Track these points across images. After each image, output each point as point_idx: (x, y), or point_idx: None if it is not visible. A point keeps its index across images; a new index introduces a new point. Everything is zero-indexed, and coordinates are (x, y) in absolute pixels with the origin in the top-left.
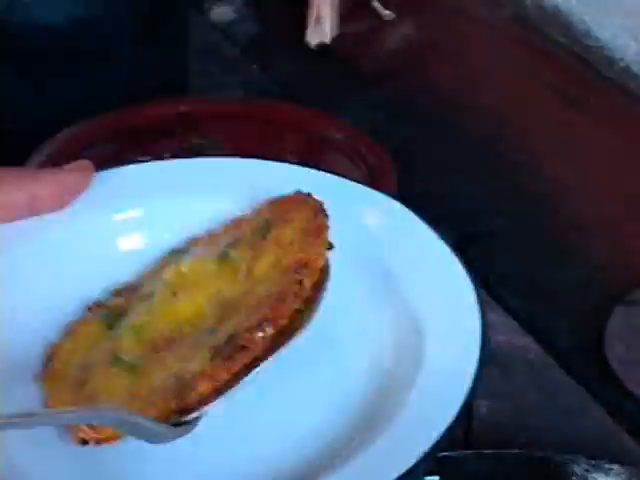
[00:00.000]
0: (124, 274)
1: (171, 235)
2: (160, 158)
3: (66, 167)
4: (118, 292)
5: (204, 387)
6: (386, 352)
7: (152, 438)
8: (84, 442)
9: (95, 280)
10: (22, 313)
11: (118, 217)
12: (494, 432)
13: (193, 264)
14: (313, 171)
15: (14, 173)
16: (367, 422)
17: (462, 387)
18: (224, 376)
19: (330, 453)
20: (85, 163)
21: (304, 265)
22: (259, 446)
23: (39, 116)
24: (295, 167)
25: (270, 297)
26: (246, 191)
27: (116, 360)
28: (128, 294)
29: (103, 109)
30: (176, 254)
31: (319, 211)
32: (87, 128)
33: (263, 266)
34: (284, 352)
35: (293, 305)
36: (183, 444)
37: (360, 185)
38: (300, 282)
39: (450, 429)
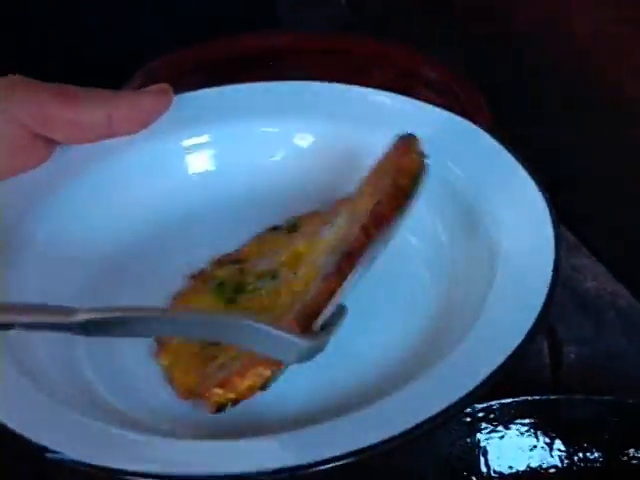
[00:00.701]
0: (195, 199)
1: (241, 159)
2: None
3: (145, 90)
4: (219, 262)
5: (322, 299)
6: (459, 267)
7: (289, 354)
8: (220, 408)
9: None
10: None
11: (189, 142)
12: (584, 378)
13: (309, 243)
14: (392, 95)
15: (93, 93)
16: (444, 332)
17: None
18: (337, 284)
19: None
20: (164, 86)
21: (398, 170)
22: (351, 358)
23: (130, 47)
24: (377, 91)
25: (369, 206)
26: (321, 114)
27: None
28: (232, 265)
29: (194, 41)
30: (278, 232)
31: (407, 134)
32: (180, 58)
33: (364, 201)
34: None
35: (392, 206)
36: None
37: (449, 113)
38: (395, 184)
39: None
